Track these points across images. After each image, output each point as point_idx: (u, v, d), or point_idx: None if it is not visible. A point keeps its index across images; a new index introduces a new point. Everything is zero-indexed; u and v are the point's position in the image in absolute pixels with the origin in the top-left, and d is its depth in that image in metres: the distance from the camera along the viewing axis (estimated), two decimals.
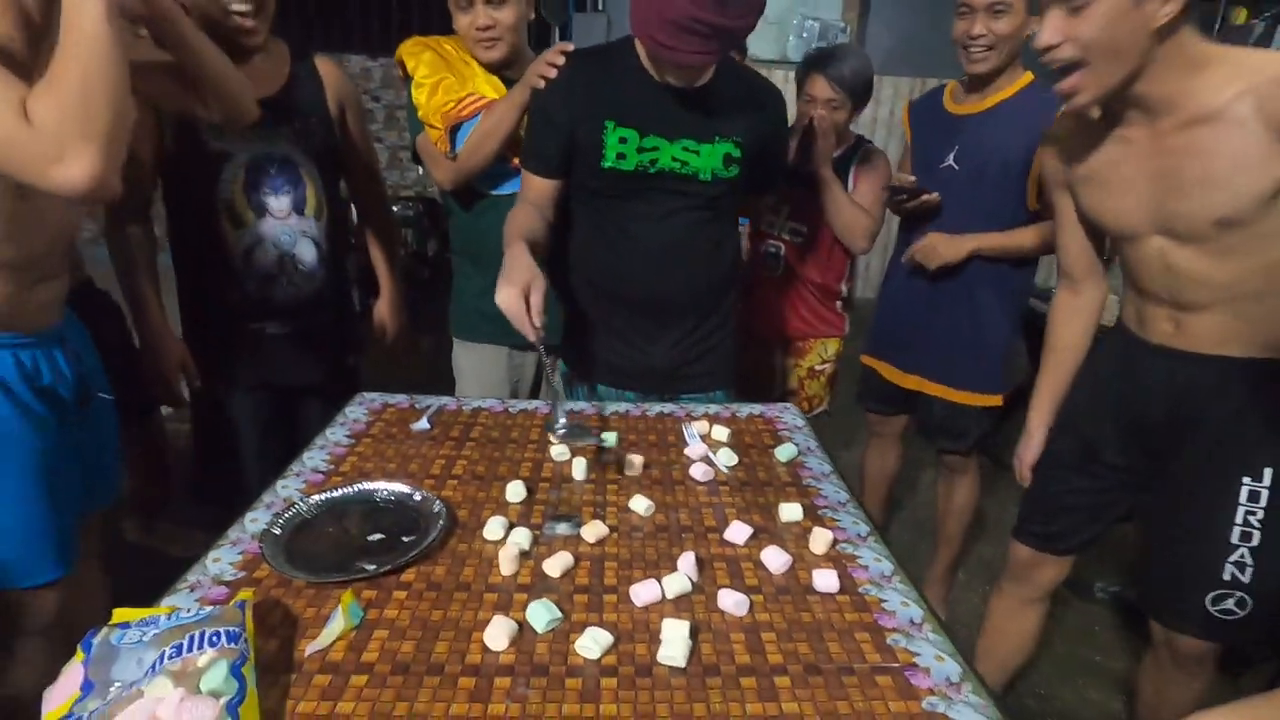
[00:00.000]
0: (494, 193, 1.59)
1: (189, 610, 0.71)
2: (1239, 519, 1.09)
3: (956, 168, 1.65)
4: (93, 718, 0.58)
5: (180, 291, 1.55)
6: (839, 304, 1.96)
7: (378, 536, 0.92)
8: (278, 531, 0.91)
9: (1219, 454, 1.11)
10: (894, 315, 1.87)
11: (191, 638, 0.65)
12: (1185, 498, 1.15)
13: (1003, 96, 1.60)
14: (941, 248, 1.65)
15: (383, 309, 1.79)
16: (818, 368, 1.99)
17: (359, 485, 1.02)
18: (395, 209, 5.01)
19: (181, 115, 1.34)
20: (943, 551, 1.98)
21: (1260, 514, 1.08)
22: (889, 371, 1.87)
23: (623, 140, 1.26)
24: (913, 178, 1.70)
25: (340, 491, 1.00)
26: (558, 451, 1.15)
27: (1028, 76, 1.60)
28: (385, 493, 1.01)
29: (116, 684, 0.62)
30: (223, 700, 0.61)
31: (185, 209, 1.49)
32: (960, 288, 1.69)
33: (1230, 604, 1.11)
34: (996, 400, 1.75)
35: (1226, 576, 1.11)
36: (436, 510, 0.96)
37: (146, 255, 1.47)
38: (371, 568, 0.85)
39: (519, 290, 1.05)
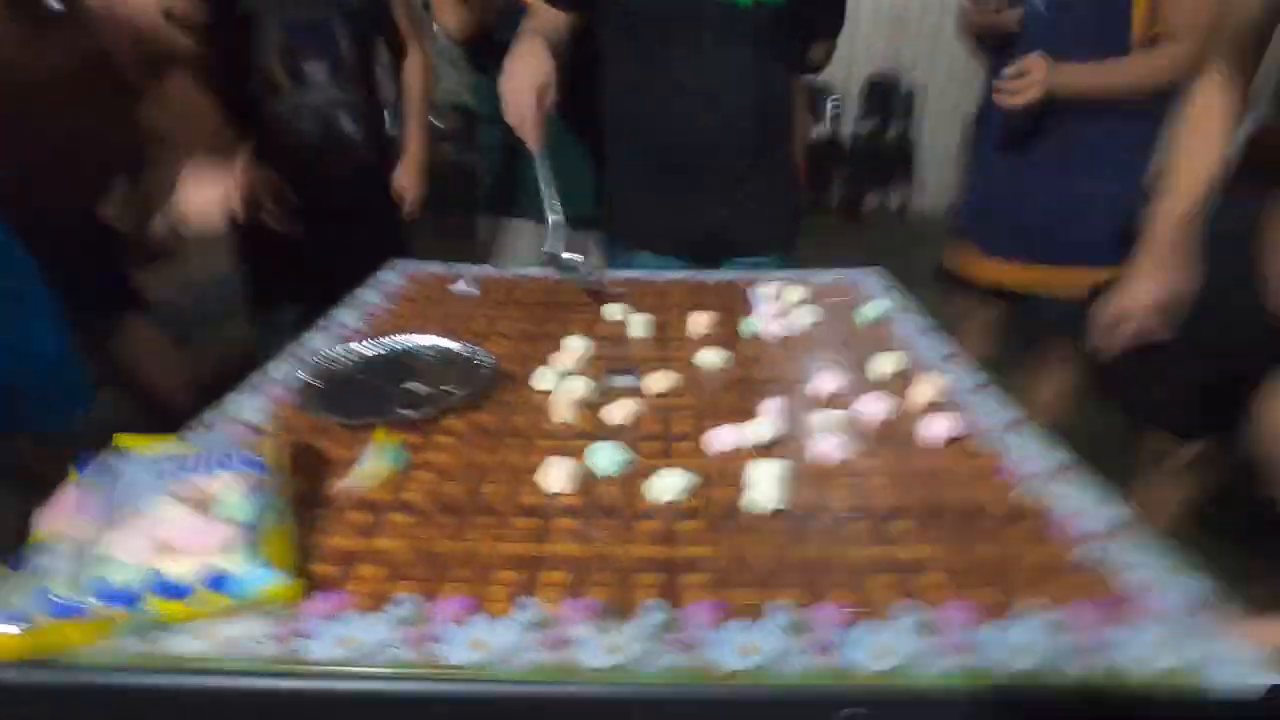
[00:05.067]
0: None
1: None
2: None
3: (1045, 12, 1.37)
4: (85, 536, 0.49)
5: None
6: None
7: (418, 386, 0.82)
8: (308, 378, 0.81)
9: None
10: (987, 186, 1.57)
11: (200, 458, 0.56)
12: None
13: None
14: (1038, 71, 1.32)
15: (403, 173, 1.59)
16: None
17: (397, 337, 0.91)
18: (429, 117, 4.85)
19: None
20: None
21: None
22: (985, 265, 1.58)
23: None
24: None
25: (377, 341, 0.90)
26: (612, 311, 1.03)
27: None
28: (426, 345, 0.90)
29: (115, 508, 0.53)
30: (236, 524, 0.51)
31: (230, 82, 1.39)
32: (1082, 146, 1.39)
33: None
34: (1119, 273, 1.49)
35: None
36: (481, 361, 0.85)
37: (196, 109, 1.36)
38: (411, 414, 0.75)
39: (530, 85, 0.89)
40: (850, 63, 4.80)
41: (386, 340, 0.90)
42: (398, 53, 1.56)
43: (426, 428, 0.74)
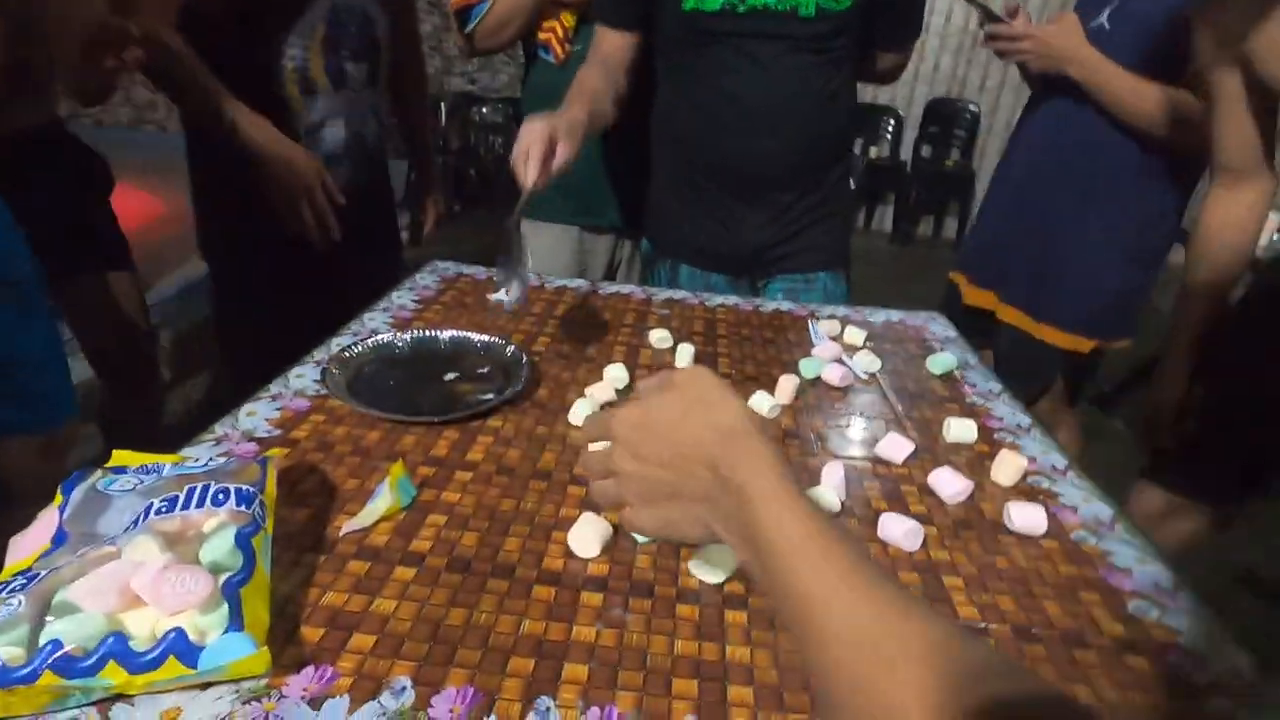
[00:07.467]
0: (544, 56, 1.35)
1: (200, 460, 0.55)
2: None
3: (1108, 27, 1.24)
4: (52, 578, 0.43)
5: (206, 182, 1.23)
6: None
7: (452, 376, 0.80)
8: (335, 370, 0.77)
9: None
10: (992, 217, 1.51)
11: (191, 491, 0.49)
12: None
13: None
14: (1048, 41, 1.26)
15: (425, 193, 1.52)
16: None
17: (449, 331, 0.88)
18: (484, 111, 4.81)
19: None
20: None
21: None
22: (968, 290, 1.51)
23: None
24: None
25: (427, 332, 0.87)
26: (658, 337, 0.95)
27: None
28: (479, 341, 0.87)
29: (98, 539, 0.47)
30: (222, 577, 0.44)
31: (240, 70, 1.10)
32: (1087, 193, 1.30)
33: None
34: (1084, 344, 1.36)
35: None
36: (522, 357, 0.82)
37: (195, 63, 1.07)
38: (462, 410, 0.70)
39: (544, 133, 0.80)
40: (913, 83, 4.66)
41: (437, 331, 0.87)
42: (402, 48, 1.37)
43: (444, 460, 0.67)
